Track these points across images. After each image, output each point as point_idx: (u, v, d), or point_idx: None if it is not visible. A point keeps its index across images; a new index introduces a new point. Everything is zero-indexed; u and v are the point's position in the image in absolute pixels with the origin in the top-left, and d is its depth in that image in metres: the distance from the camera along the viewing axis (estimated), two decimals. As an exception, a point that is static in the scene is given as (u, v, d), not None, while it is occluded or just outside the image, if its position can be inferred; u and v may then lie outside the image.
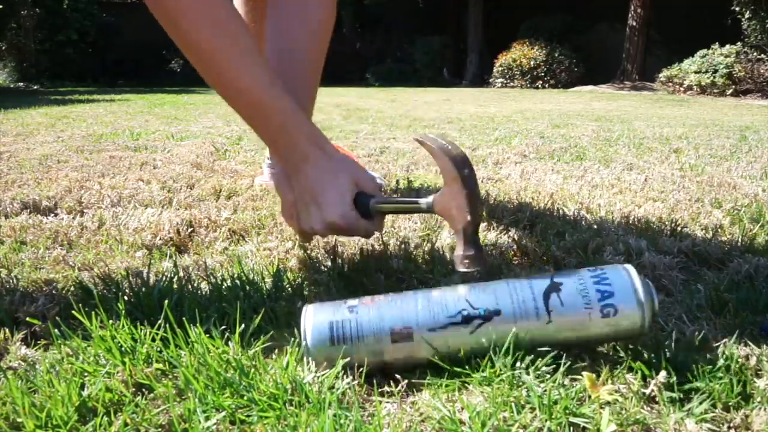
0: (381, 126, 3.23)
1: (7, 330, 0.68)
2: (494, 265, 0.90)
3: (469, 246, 0.69)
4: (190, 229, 1.08)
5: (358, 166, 0.84)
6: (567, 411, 0.52)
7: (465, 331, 0.59)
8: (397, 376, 0.59)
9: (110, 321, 0.66)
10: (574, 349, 0.65)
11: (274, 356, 0.64)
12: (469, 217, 0.68)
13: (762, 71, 8.09)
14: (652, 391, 0.55)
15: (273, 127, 0.83)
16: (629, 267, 0.62)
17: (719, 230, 1.09)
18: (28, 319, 0.70)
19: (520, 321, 0.59)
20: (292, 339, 0.66)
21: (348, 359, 0.59)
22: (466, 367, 0.59)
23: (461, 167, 0.69)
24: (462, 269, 0.69)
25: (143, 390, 0.57)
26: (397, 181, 1.56)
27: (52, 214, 1.21)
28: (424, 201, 0.75)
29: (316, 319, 0.61)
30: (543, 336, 0.59)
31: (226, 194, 1.39)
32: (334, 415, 0.51)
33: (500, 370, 0.57)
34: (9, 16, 9.72)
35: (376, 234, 0.84)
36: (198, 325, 0.65)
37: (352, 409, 0.52)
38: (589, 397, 0.55)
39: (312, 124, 0.84)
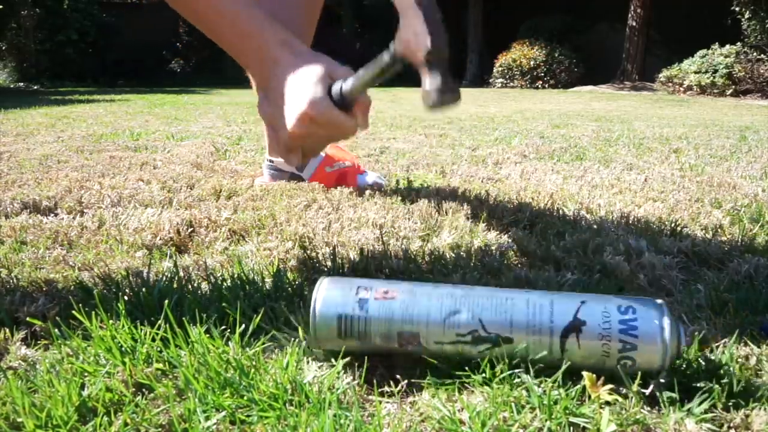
0: (381, 126, 3.23)
1: (7, 330, 0.68)
2: (494, 266, 0.90)
3: (435, 76, 0.57)
4: (190, 229, 1.08)
5: (332, 60, 0.75)
6: (567, 411, 0.52)
7: (473, 350, 0.58)
8: (397, 376, 0.59)
9: (110, 321, 0.66)
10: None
11: (274, 356, 0.64)
12: (429, 42, 0.57)
13: (762, 71, 8.09)
14: (652, 391, 0.55)
15: (239, 32, 0.77)
16: (663, 306, 0.56)
17: (719, 230, 1.09)
18: (28, 319, 0.70)
19: (531, 352, 0.56)
20: (293, 339, 0.66)
21: (348, 359, 0.59)
22: (466, 367, 0.59)
23: None
24: (430, 105, 0.60)
25: (143, 390, 0.57)
26: (397, 181, 1.56)
27: (52, 214, 1.21)
28: (386, 53, 0.65)
29: (325, 309, 0.59)
30: (551, 363, 0.57)
31: (226, 194, 1.39)
32: (334, 415, 0.51)
33: (500, 370, 0.57)
34: (9, 16, 9.71)
35: (360, 130, 0.74)
36: (198, 325, 0.65)
37: (352, 409, 0.52)
38: (589, 397, 0.55)
39: (285, 31, 0.77)
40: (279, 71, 0.75)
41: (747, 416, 0.52)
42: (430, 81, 0.59)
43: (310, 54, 0.75)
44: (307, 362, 0.61)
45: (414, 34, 0.60)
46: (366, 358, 0.61)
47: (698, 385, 0.56)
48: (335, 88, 0.70)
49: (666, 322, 0.55)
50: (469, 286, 0.62)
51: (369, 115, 0.74)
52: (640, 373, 0.57)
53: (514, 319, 0.56)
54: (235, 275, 0.82)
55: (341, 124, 0.71)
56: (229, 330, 0.66)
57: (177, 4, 0.81)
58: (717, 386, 0.55)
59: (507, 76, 10.79)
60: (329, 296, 0.60)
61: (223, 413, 0.53)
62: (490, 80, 11.09)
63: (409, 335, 0.58)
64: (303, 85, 0.71)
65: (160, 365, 0.60)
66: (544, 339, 0.56)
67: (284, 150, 0.78)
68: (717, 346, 0.64)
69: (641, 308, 0.56)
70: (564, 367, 0.57)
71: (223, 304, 0.71)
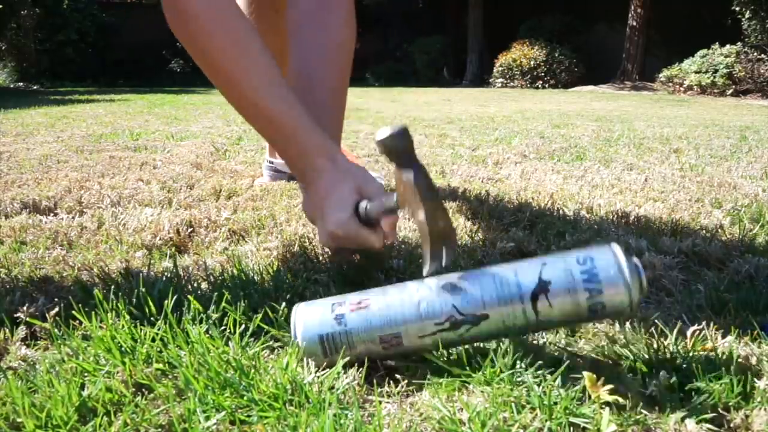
0: (381, 126, 3.23)
1: (7, 330, 0.68)
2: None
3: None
4: (190, 229, 1.08)
5: (366, 173, 0.83)
6: (567, 411, 0.52)
7: (454, 335, 0.59)
8: (397, 376, 0.59)
9: (110, 321, 0.66)
10: (574, 348, 0.65)
11: (274, 356, 0.64)
12: (421, 203, 0.62)
13: (762, 71, 8.09)
14: (652, 391, 0.55)
15: (284, 139, 0.85)
16: (615, 248, 0.59)
17: (719, 230, 1.09)
18: (28, 319, 0.70)
19: (508, 322, 0.59)
20: (292, 339, 0.66)
21: (348, 358, 0.60)
22: (467, 367, 0.59)
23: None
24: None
25: (143, 390, 0.57)
26: (397, 181, 1.56)
27: (52, 214, 1.21)
28: (394, 196, 0.72)
29: (306, 332, 0.61)
30: (531, 329, 0.60)
31: (226, 194, 1.39)
32: (334, 415, 0.51)
33: (500, 370, 0.57)
34: (9, 16, 9.71)
35: (386, 242, 0.81)
36: (198, 325, 0.65)
37: (352, 409, 0.52)
38: (589, 397, 0.54)
39: (325, 137, 0.84)
40: (319, 183, 0.82)
41: (747, 416, 0.52)
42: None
43: (346, 167, 0.82)
44: (307, 362, 0.61)
45: (408, 194, 0.66)
46: (366, 358, 0.61)
47: (698, 385, 0.56)
48: (362, 206, 0.77)
49: (623, 261, 0.58)
50: (436, 278, 0.62)
51: (396, 230, 0.81)
52: (640, 372, 0.57)
53: (485, 298, 0.59)
54: (235, 275, 0.81)
55: (366, 240, 0.78)
56: (229, 330, 0.66)
57: (223, 89, 0.87)
58: (717, 386, 0.55)
59: (507, 76, 10.79)
60: (308, 320, 0.62)
61: (223, 413, 0.52)
62: (490, 80, 11.09)
63: (390, 337, 0.60)
64: (335, 205, 0.79)
65: (160, 365, 0.60)
66: (516, 308, 0.58)
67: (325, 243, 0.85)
68: (717, 346, 0.64)
69: (598, 255, 0.59)
70: (563, 367, 0.57)
71: (223, 304, 0.71)
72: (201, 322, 0.67)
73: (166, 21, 0.84)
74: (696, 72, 8.36)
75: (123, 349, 0.62)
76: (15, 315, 0.72)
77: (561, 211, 1.23)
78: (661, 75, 9.02)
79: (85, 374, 0.59)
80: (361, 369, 0.59)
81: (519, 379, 0.56)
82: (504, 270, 0.61)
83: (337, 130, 0.99)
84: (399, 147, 0.64)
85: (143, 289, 0.73)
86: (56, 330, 0.66)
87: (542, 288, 0.58)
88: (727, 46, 8.39)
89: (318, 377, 0.58)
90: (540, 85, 10.39)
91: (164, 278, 0.81)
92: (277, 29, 1.11)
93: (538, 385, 0.55)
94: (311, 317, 0.62)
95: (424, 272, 0.64)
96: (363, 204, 0.78)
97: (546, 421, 0.51)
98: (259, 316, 0.67)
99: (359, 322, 0.60)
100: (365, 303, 0.61)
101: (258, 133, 0.90)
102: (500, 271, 0.61)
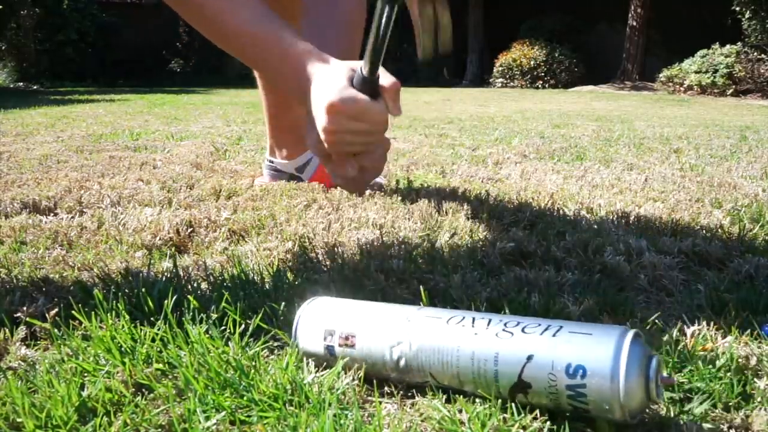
0: (381, 126, 3.22)
1: (7, 330, 0.68)
2: (494, 266, 0.90)
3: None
4: (189, 229, 1.08)
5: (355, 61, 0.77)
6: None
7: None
8: (397, 376, 0.59)
9: (110, 321, 0.66)
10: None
11: (274, 356, 0.64)
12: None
13: (762, 71, 8.10)
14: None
15: (276, 59, 0.80)
16: (623, 349, 0.48)
17: (719, 230, 1.09)
18: (27, 319, 0.70)
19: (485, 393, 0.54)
20: (292, 339, 0.66)
21: (348, 358, 0.60)
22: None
23: None
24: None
25: (143, 390, 0.57)
26: (397, 181, 1.56)
27: (52, 214, 1.21)
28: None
29: (302, 349, 0.63)
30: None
31: (226, 194, 1.39)
32: (334, 415, 0.51)
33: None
34: (9, 16, 9.72)
35: (392, 116, 0.73)
36: (198, 325, 0.65)
37: (352, 409, 0.52)
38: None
39: (311, 46, 0.78)
40: (314, 80, 0.75)
41: (747, 416, 0.52)
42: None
43: (339, 61, 0.76)
44: (307, 362, 0.61)
45: None
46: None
47: (698, 385, 0.56)
48: (356, 76, 0.71)
49: (621, 384, 0.47)
50: (422, 321, 0.59)
51: (399, 99, 0.73)
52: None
53: (461, 376, 0.55)
54: (235, 275, 0.81)
55: (368, 109, 0.69)
56: (229, 330, 0.66)
57: (206, 28, 0.85)
58: (717, 386, 0.55)
59: (507, 76, 10.79)
60: (304, 342, 0.63)
61: (223, 413, 0.52)
62: (491, 80, 11.08)
63: (374, 374, 0.59)
64: (329, 83, 0.71)
65: (160, 365, 0.60)
66: (494, 394, 0.53)
67: (335, 166, 0.77)
68: (717, 346, 0.64)
69: (594, 367, 0.48)
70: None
71: (223, 304, 0.70)
72: (201, 322, 0.67)
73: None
74: (696, 72, 8.36)
75: (123, 349, 0.62)
76: (15, 315, 0.72)
77: (561, 211, 1.23)
78: (661, 75, 9.03)
79: (85, 374, 0.59)
80: (360, 369, 0.59)
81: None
82: (486, 346, 0.54)
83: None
84: None
85: (143, 289, 0.73)
86: (56, 330, 0.66)
87: (521, 389, 0.52)
88: (727, 46, 8.39)
89: (318, 377, 0.58)
90: (540, 85, 10.39)
91: (164, 278, 0.81)
92: (289, 9, 1.11)
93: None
94: (307, 340, 0.63)
95: (419, 55, 0.66)
96: (357, 71, 0.71)
97: (546, 421, 0.51)
98: (259, 316, 0.67)
99: (346, 358, 0.60)
100: (352, 341, 0.60)
101: (243, 60, 0.86)
102: (482, 348, 0.54)
